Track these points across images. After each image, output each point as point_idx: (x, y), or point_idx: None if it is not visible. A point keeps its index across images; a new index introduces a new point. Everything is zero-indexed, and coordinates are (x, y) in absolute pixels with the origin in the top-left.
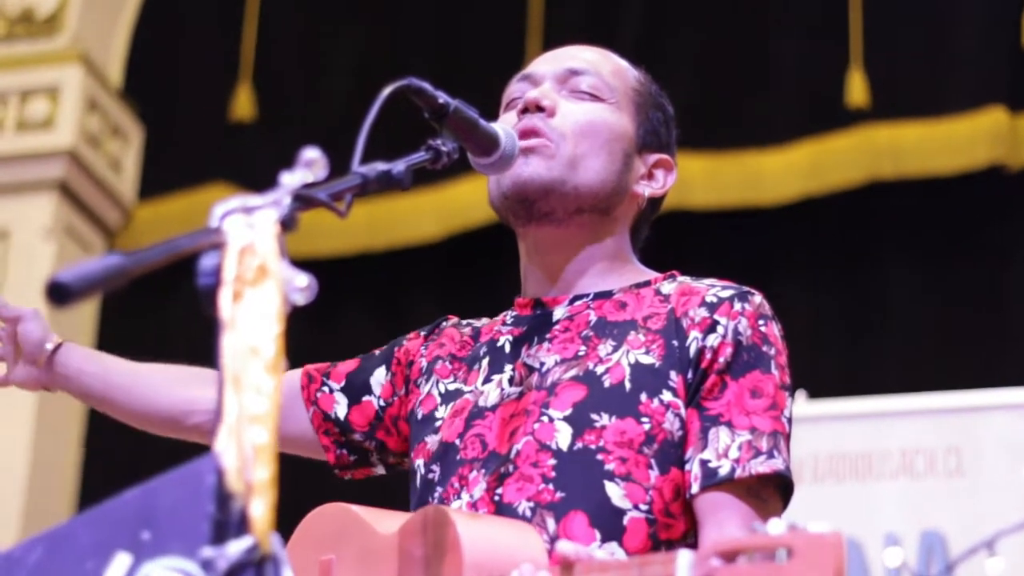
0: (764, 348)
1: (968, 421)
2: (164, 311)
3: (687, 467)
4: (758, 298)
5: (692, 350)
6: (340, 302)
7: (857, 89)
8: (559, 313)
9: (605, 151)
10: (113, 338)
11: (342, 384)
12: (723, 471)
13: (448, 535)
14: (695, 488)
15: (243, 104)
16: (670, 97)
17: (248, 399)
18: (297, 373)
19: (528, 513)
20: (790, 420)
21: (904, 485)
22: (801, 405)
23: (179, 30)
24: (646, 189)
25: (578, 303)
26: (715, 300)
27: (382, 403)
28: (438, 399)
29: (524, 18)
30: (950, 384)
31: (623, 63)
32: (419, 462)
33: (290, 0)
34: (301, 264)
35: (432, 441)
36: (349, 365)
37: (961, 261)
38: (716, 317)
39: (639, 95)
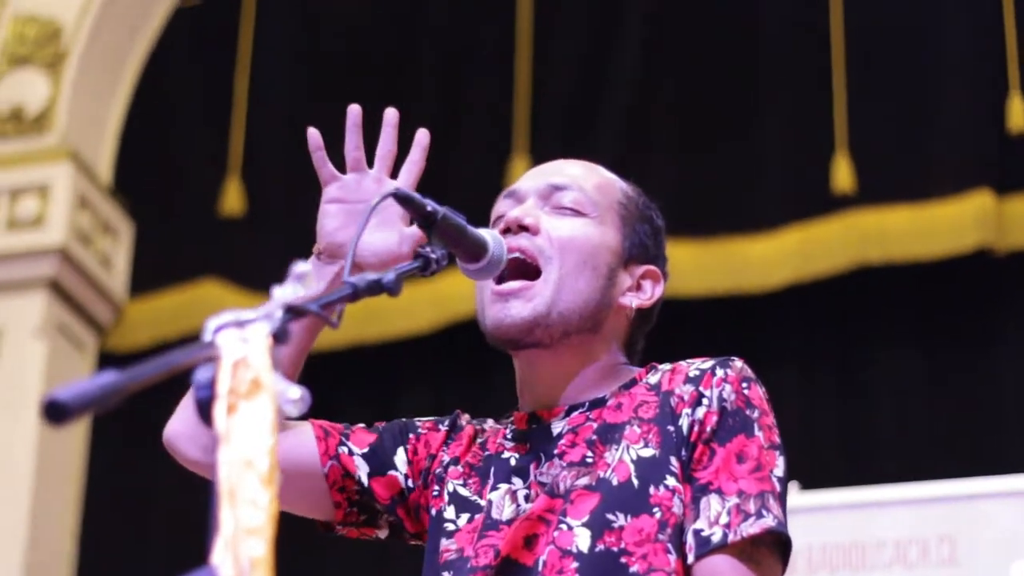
0: (747, 412)
1: (961, 510)
2: (155, 423)
3: (684, 538)
4: (739, 363)
5: (685, 428)
6: (332, 395)
7: (843, 174)
8: (558, 427)
9: (588, 267)
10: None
11: (364, 451)
12: (715, 538)
13: None
14: (691, 559)
15: (232, 199)
16: (656, 185)
17: (244, 512)
18: (306, 425)
19: None
20: (781, 479)
21: (898, 575)
22: (794, 496)
23: (168, 126)
24: (633, 300)
25: (575, 413)
26: (698, 373)
27: (409, 484)
28: (446, 499)
29: (510, 125)
30: (943, 472)
31: (609, 176)
32: (435, 564)
33: (278, 93)
34: None
35: (447, 546)
36: (368, 436)
37: (951, 346)
38: (701, 389)
39: (625, 208)
